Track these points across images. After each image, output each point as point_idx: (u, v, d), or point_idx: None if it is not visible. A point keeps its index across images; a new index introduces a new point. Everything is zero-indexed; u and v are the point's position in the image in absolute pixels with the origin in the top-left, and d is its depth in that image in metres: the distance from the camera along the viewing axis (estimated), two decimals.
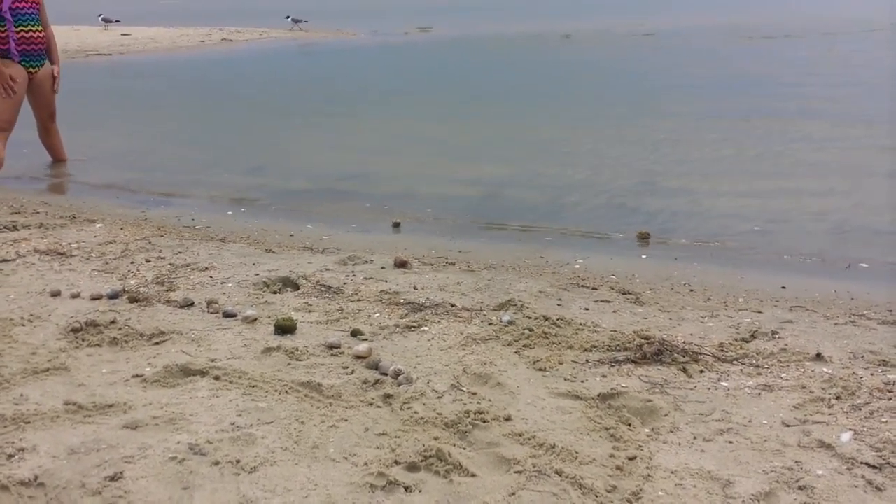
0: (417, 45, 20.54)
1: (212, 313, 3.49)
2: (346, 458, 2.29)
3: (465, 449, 2.36)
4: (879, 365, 2.95)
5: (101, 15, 26.89)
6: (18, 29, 6.72)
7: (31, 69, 6.88)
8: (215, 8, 41.23)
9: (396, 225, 5.40)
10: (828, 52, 15.80)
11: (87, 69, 15.67)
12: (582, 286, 4.02)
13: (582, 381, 2.82)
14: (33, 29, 6.84)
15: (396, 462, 2.26)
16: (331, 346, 3.08)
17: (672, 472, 2.25)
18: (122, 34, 22.18)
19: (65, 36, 18.97)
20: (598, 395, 2.69)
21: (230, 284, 3.89)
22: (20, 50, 6.75)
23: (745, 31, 20.47)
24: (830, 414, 2.59)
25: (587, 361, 2.99)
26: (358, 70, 15.68)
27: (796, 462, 2.30)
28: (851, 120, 8.86)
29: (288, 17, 26.77)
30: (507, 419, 2.53)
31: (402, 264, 4.26)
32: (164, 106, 11.60)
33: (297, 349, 3.05)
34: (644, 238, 4.99)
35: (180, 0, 47.98)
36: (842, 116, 9.11)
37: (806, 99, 10.35)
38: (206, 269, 4.15)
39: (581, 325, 3.35)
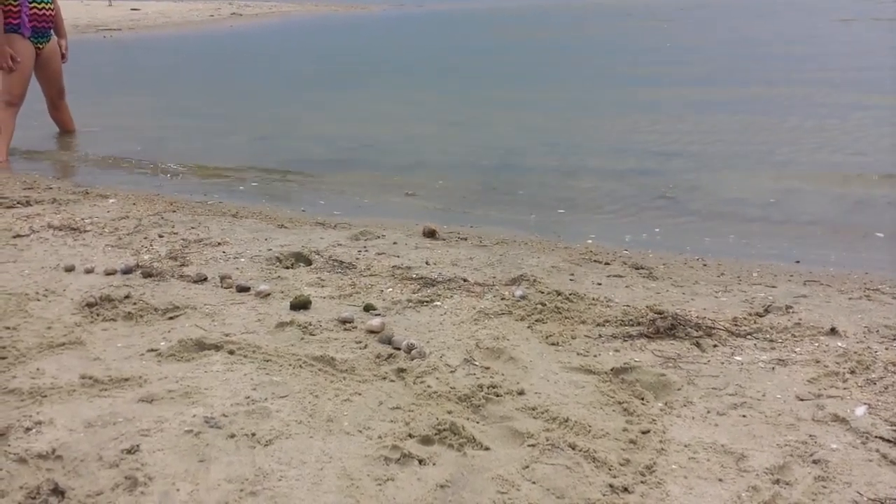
0: (430, 19, 20.38)
1: (225, 288, 3.50)
2: (360, 432, 2.30)
3: (478, 422, 2.37)
4: (894, 339, 2.94)
5: None
6: (32, 5, 6.70)
7: (38, 45, 6.88)
8: None
9: (410, 195, 5.42)
10: (833, 22, 15.61)
11: (98, 44, 15.64)
12: (594, 261, 4.01)
13: (595, 356, 2.82)
14: (46, 6, 6.84)
15: (410, 435, 2.27)
16: (344, 321, 3.09)
17: (685, 446, 2.25)
18: (131, 9, 22.06)
19: (74, 11, 18.91)
20: (612, 370, 2.69)
21: (243, 259, 3.90)
22: (31, 26, 6.74)
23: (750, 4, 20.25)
24: (845, 388, 2.58)
25: (600, 336, 2.99)
26: (369, 43, 15.59)
27: (810, 436, 2.30)
28: (865, 88, 8.78)
29: None
30: (521, 393, 2.53)
31: (430, 234, 4.34)
32: (175, 80, 11.58)
33: (310, 324, 3.06)
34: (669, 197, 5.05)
35: None
36: (853, 84, 9.02)
37: (817, 68, 10.25)
38: (219, 244, 4.15)
39: (594, 299, 3.34)
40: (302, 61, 13.41)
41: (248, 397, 2.49)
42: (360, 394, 2.52)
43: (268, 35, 17.68)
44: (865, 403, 2.46)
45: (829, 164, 6.00)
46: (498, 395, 2.50)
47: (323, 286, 3.53)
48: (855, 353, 2.81)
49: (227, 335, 2.96)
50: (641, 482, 2.08)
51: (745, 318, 3.15)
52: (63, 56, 7.23)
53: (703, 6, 19.92)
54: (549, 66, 12.00)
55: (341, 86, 10.48)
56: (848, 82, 9.42)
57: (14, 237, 4.17)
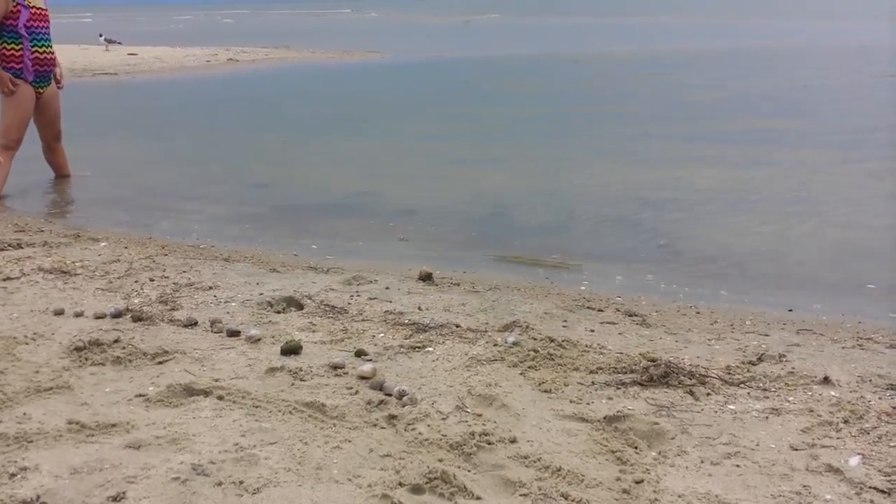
0: (422, 66, 20.63)
1: (215, 333, 3.48)
2: (349, 480, 2.27)
3: (469, 471, 2.34)
4: (887, 388, 2.93)
5: (101, 35, 25.78)
6: (34, 48, 6.73)
7: (39, 89, 6.90)
8: (218, 29, 41.40)
9: (403, 240, 5.43)
10: (818, 74, 15.83)
11: (93, 88, 15.72)
12: (588, 307, 4.01)
13: (588, 404, 2.80)
14: (48, 50, 6.86)
15: (401, 484, 2.24)
16: (335, 367, 3.07)
17: (679, 496, 2.22)
18: (128, 53, 22.18)
19: (72, 55, 19.06)
20: (605, 418, 2.67)
21: (234, 304, 3.88)
22: (34, 70, 6.77)
23: (735, 55, 20.53)
24: (838, 438, 2.56)
25: (593, 383, 2.98)
26: (364, 90, 15.75)
27: (804, 486, 2.28)
28: (853, 140, 8.88)
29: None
30: (513, 441, 2.51)
31: (426, 277, 4.35)
32: (170, 124, 11.62)
33: (300, 369, 3.04)
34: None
35: (183, 22, 47.92)
36: (842, 136, 9.13)
37: (805, 119, 10.38)
38: (210, 288, 4.14)
39: (587, 346, 3.33)
40: (297, 107, 13.50)
41: (237, 444, 2.46)
42: (350, 441, 2.49)
43: (264, 81, 17.82)
44: (859, 453, 2.45)
45: (819, 213, 6.03)
46: (490, 443, 2.48)
47: (314, 331, 3.51)
48: (848, 402, 2.80)
49: (216, 380, 2.93)
50: None
51: (738, 367, 3.14)
52: (58, 82, 7.22)
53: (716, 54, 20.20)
54: (546, 116, 12.11)
55: (336, 132, 10.55)
56: (828, 130, 9.55)
57: (4, 280, 4.15)
